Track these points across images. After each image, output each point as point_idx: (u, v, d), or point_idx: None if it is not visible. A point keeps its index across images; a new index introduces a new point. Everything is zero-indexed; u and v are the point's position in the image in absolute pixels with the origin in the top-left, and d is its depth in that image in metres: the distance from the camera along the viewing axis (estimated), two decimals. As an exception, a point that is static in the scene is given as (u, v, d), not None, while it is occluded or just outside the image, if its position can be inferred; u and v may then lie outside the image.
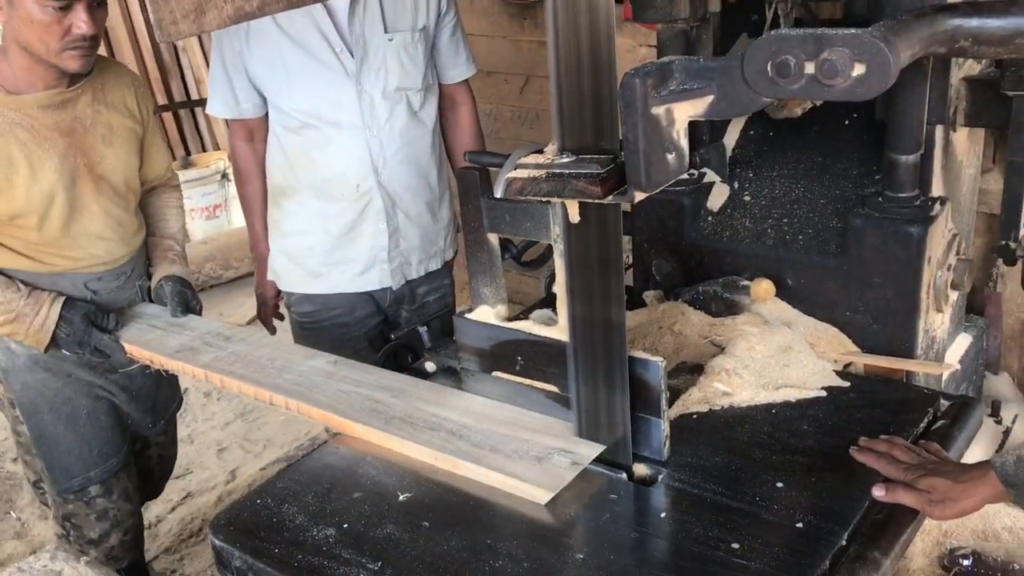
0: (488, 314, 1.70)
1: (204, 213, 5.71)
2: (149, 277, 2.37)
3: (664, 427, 1.53)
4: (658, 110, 1.22)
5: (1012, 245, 1.87)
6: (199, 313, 2.28)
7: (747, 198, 2.11)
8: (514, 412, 1.68)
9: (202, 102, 6.26)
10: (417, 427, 1.65)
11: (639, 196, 1.28)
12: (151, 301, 2.33)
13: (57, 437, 2.26)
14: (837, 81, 1.12)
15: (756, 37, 1.19)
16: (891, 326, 1.88)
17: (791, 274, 1.98)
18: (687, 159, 1.30)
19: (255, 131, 2.47)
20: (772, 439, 1.61)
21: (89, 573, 1.56)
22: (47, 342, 2.09)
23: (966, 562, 1.51)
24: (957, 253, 1.95)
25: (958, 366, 2.08)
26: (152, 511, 3.16)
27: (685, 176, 2.11)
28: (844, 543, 1.34)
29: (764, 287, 1.96)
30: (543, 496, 1.45)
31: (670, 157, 1.27)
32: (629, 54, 3.21)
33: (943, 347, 2.06)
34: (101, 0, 1.96)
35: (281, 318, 2.73)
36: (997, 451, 1.87)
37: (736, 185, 2.13)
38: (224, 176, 5.79)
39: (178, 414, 2.65)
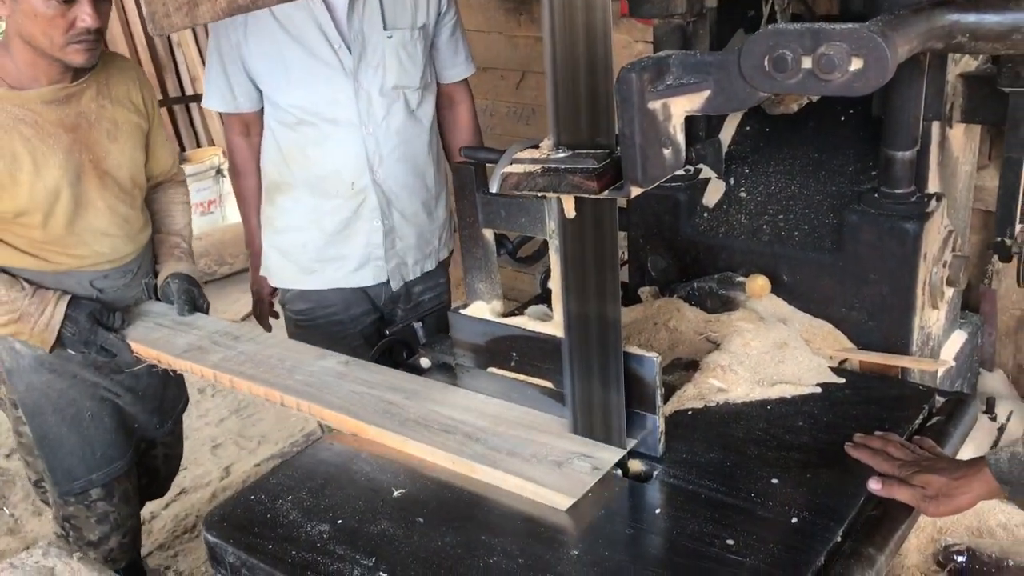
0: (483, 310, 1.70)
1: (199, 209, 5.69)
2: (155, 275, 2.34)
3: (659, 423, 1.53)
4: (654, 105, 1.22)
5: (1008, 242, 1.87)
6: (206, 311, 2.25)
7: (743, 194, 2.11)
8: (532, 415, 1.65)
9: (197, 97, 6.25)
10: (432, 430, 1.62)
11: (635, 191, 1.27)
12: (157, 299, 2.31)
13: (60, 439, 2.23)
14: (834, 76, 1.12)
15: (753, 32, 1.18)
16: (887, 322, 1.88)
17: (787, 270, 1.98)
18: (683, 154, 1.30)
19: (251, 125, 2.46)
20: (767, 435, 1.60)
21: (82, 570, 1.55)
22: (52, 342, 2.06)
23: (960, 558, 1.51)
24: (953, 249, 1.95)
25: (953, 363, 2.08)
26: (146, 507, 3.14)
27: (681, 172, 2.10)
28: (839, 539, 1.34)
29: (759, 283, 1.96)
30: (564, 502, 1.43)
31: (666, 152, 1.26)
32: (625, 50, 3.20)
33: (938, 344, 2.06)
34: None
35: (276, 315, 2.72)
36: (992, 448, 1.87)
37: (732, 181, 2.13)
38: (219, 172, 5.78)
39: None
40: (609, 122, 1.34)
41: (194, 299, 2.24)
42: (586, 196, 1.34)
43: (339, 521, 1.47)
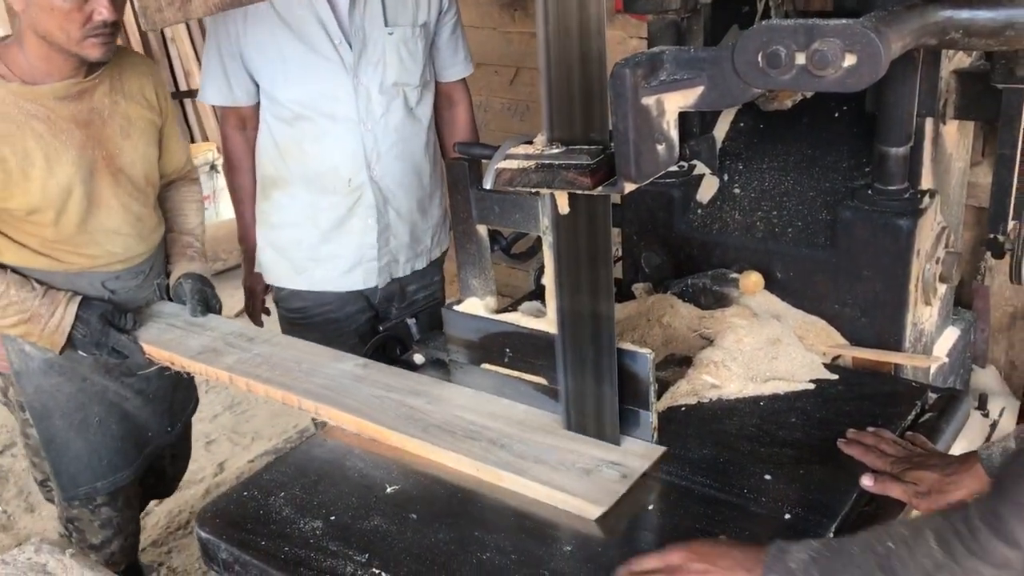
0: (477, 306, 1.70)
1: (193, 204, 5.68)
2: (167, 275, 2.30)
3: (652, 419, 1.53)
4: (648, 101, 1.22)
5: (1000, 238, 1.87)
6: (219, 312, 2.22)
7: (737, 190, 2.11)
8: (557, 421, 1.61)
9: (191, 93, 6.23)
10: (457, 436, 1.59)
11: (629, 187, 1.27)
12: (170, 299, 2.27)
13: (67, 443, 2.19)
14: (828, 72, 1.12)
15: (747, 28, 1.18)
16: (880, 319, 1.88)
17: (780, 267, 1.98)
18: (677, 150, 1.30)
19: (247, 120, 2.45)
20: (760, 431, 1.61)
21: (74, 566, 1.55)
22: (62, 343, 2.02)
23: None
24: (946, 246, 1.95)
25: (946, 359, 2.09)
26: (139, 503, 3.15)
27: (675, 168, 2.10)
28: (832, 535, 1.34)
29: (753, 280, 1.96)
30: (594, 511, 1.40)
31: (660, 148, 1.26)
32: (620, 46, 3.20)
33: (931, 340, 2.07)
34: None
35: (268, 312, 2.72)
36: (984, 443, 1.87)
37: (726, 177, 2.13)
38: (213, 167, 5.76)
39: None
40: (603, 118, 1.34)
41: (207, 300, 2.20)
42: (580, 192, 1.34)
43: (332, 517, 1.46)
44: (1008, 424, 2.30)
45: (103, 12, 1.83)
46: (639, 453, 1.52)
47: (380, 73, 2.32)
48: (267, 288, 2.64)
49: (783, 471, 1.48)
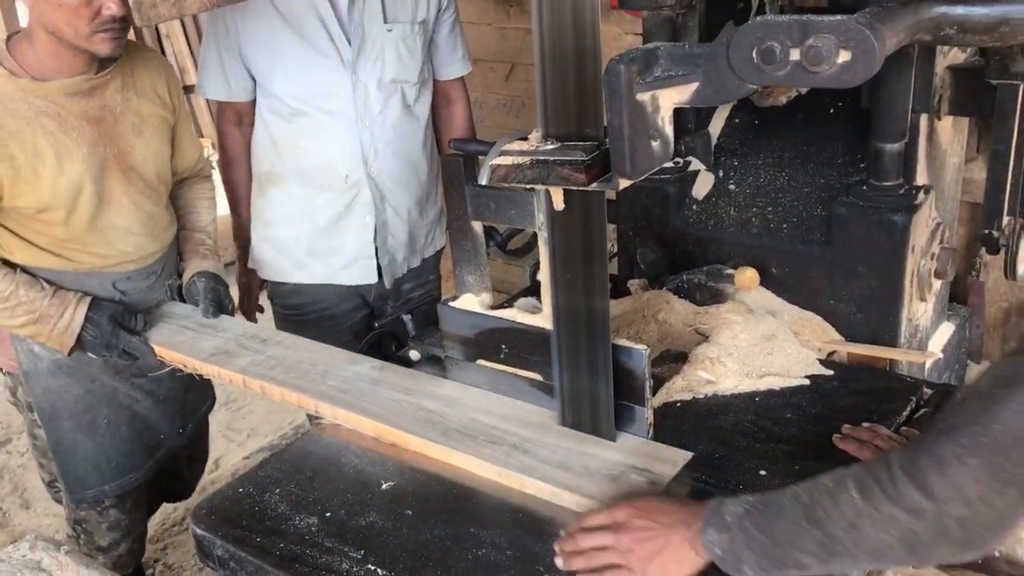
0: (472, 302, 1.70)
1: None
2: (179, 275, 2.27)
3: (648, 415, 1.53)
4: (643, 97, 1.22)
5: (995, 234, 1.88)
6: (231, 313, 2.18)
7: (732, 186, 2.11)
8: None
9: (187, 89, 6.20)
10: (477, 440, 1.56)
11: (624, 183, 1.27)
12: (182, 300, 2.23)
13: (75, 445, 2.17)
14: (822, 68, 1.12)
15: (742, 24, 1.18)
16: (875, 314, 1.88)
17: (775, 263, 1.98)
18: (672, 146, 1.30)
19: (244, 115, 2.44)
20: (755, 427, 1.61)
21: (69, 563, 1.54)
22: (71, 345, 1.99)
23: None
24: (941, 242, 1.96)
25: (941, 355, 2.09)
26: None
27: (670, 164, 2.10)
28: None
29: (748, 275, 1.96)
30: None
31: (655, 144, 1.26)
32: (615, 42, 3.20)
33: (926, 336, 2.07)
34: None
35: (262, 310, 2.71)
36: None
37: (721, 173, 2.13)
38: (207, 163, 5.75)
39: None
40: (598, 114, 1.34)
41: (220, 300, 2.16)
42: (574, 188, 1.34)
43: (327, 514, 1.46)
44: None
45: (111, 7, 1.80)
46: (666, 458, 1.47)
47: (379, 70, 2.32)
48: (262, 284, 2.64)
49: (778, 467, 1.48)
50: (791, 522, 1.14)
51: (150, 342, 2.03)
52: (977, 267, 2.51)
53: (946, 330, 2.21)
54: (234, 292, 2.71)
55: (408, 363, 1.89)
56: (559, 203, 1.41)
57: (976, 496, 1.01)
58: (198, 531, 1.48)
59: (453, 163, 1.61)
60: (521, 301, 1.69)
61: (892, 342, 1.88)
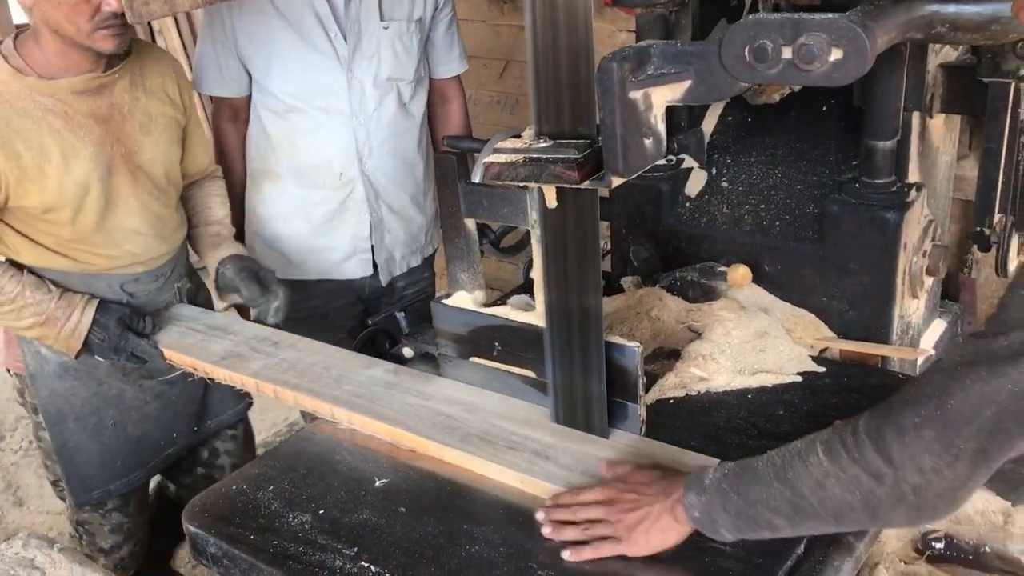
0: (466, 300, 1.70)
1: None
2: (189, 279, 2.25)
3: (641, 412, 1.53)
4: (636, 95, 1.22)
5: (986, 231, 1.88)
6: (278, 287, 2.12)
7: (725, 184, 2.11)
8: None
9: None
10: (498, 447, 1.53)
11: (616, 181, 1.27)
12: (191, 303, 2.21)
13: (80, 447, 2.14)
14: (814, 66, 1.12)
15: (735, 22, 1.18)
16: (867, 312, 1.89)
17: (768, 260, 1.99)
18: (664, 144, 1.30)
19: (240, 111, 2.43)
20: (748, 424, 1.61)
21: (62, 561, 1.54)
22: (78, 348, 1.97)
23: (939, 545, 1.52)
24: (932, 239, 1.96)
25: (933, 351, 2.10)
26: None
27: (663, 162, 2.10)
28: (818, 527, 1.35)
29: (741, 273, 1.96)
30: None
31: (647, 142, 1.27)
32: (609, 39, 3.20)
33: (918, 332, 2.08)
34: None
35: (255, 305, 2.71)
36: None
37: (714, 171, 2.13)
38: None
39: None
40: (590, 112, 1.34)
41: (257, 275, 2.11)
42: (567, 186, 1.34)
43: (321, 511, 1.47)
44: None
45: (112, 3, 1.78)
46: (694, 466, 1.41)
47: (374, 67, 2.32)
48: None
49: (770, 463, 1.49)
50: (764, 483, 1.20)
51: (160, 345, 2.00)
52: (969, 264, 2.52)
53: (938, 327, 2.22)
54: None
55: (401, 360, 1.89)
56: (552, 201, 1.41)
57: (930, 466, 1.07)
58: (191, 528, 1.48)
59: (446, 161, 1.61)
60: (514, 299, 1.69)
61: (884, 339, 1.88)
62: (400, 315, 2.04)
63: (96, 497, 2.20)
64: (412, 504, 1.47)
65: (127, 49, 1.95)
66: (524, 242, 1.92)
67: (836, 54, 1.11)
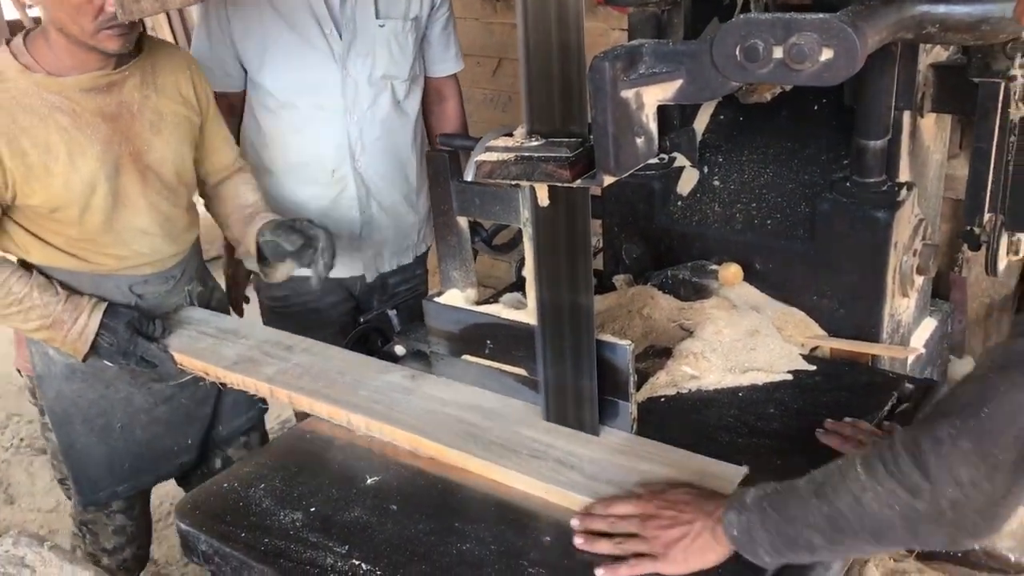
0: (458, 298, 1.70)
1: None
2: (203, 283, 2.21)
3: (632, 410, 1.54)
4: (627, 94, 1.22)
5: (977, 230, 1.89)
6: (317, 230, 2.01)
7: (717, 183, 2.12)
8: (627, 440, 1.53)
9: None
10: (521, 455, 1.50)
11: (608, 180, 1.28)
12: (203, 306, 2.17)
13: (88, 449, 2.10)
14: (805, 66, 1.13)
15: (727, 21, 1.19)
16: (857, 310, 1.89)
17: (759, 258, 1.99)
18: (656, 143, 1.31)
19: (235, 106, 2.43)
20: (739, 422, 1.62)
21: (52, 559, 1.54)
22: (85, 351, 1.92)
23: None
24: (923, 238, 1.97)
25: (923, 350, 2.11)
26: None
27: (655, 160, 2.11)
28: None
29: (732, 271, 1.97)
30: None
31: (639, 141, 1.27)
32: (601, 38, 3.20)
33: (908, 331, 2.09)
34: None
35: (248, 300, 2.71)
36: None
37: (706, 169, 2.14)
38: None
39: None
40: (582, 111, 1.34)
41: (292, 225, 2.02)
42: (559, 184, 1.34)
43: (312, 509, 1.47)
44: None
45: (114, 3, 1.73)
46: (722, 475, 1.42)
47: (369, 65, 2.32)
48: (249, 276, 2.63)
49: (761, 461, 1.49)
50: (802, 499, 1.16)
51: (171, 349, 1.97)
52: (959, 263, 2.53)
53: (928, 325, 2.23)
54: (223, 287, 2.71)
55: (394, 358, 1.89)
56: (544, 199, 1.41)
57: (967, 479, 1.02)
58: (182, 526, 1.47)
59: (438, 159, 1.61)
60: (506, 297, 1.69)
61: (874, 337, 1.89)
62: (392, 313, 2.04)
63: (103, 498, 2.17)
64: (403, 502, 1.47)
65: (139, 46, 1.94)
66: (516, 240, 1.93)
67: (827, 54, 1.11)
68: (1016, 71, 1.69)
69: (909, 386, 1.73)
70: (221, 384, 1.93)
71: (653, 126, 1.28)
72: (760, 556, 1.20)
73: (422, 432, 1.58)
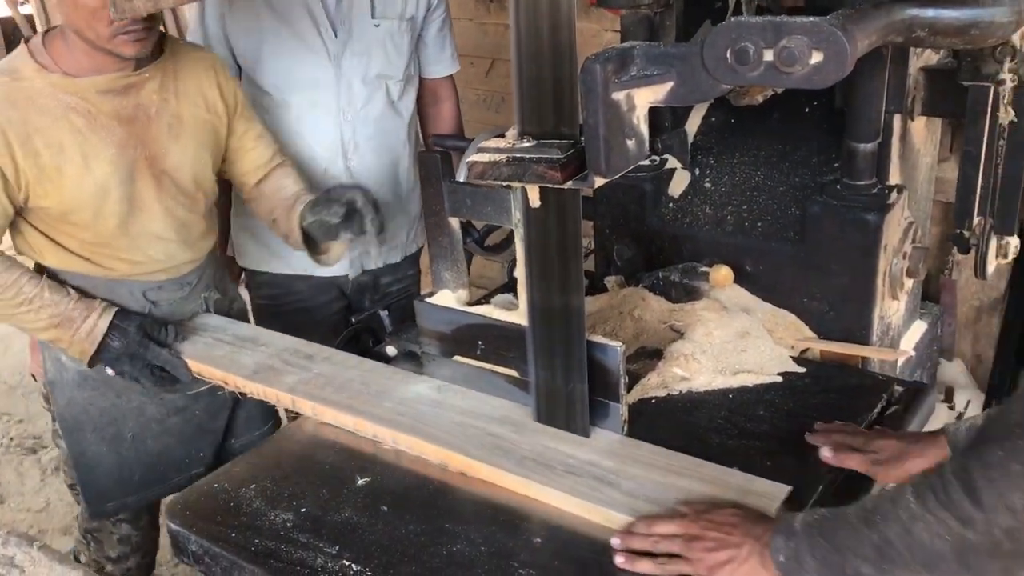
0: (449, 298, 1.70)
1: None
2: (222, 292, 2.18)
3: (623, 411, 1.54)
4: (618, 96, 1.23)
5: (966, 233, 1.90)
6: (354, 193, 1.93)
7: (708, 185, 2.12)
8: (666, 456, 1.49)
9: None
10: (555, 470, 1.46)
11: (599, 181, 1.28)
12: (222, 314, 2.13)
13: (98, 458, 2.05)
14: (795, 69, 1.13)
15: (719, 24, 1.19)
16: (847, 313, 1.90)
17: (750, 260, 2.00)
18: (647, 145, 1.31)
19: None
20: (729, 424, 1.62)
21: (42, 559, 1.54)
22: (92, 353, 1.88)
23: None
24: (913, 241, 1.98)
25: (913, 352, 2.11)
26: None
27: (647, 162, 2.11)
28: (797, 526, 1.36)
29: (723, 273, 1.98)
30: None
31: (630, 143, 1.27)
32: (594, 39, 3.20)
33: (898, 334, 2.09)
34: None
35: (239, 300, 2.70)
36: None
37: (697, 171, 2.14)
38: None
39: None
40: (574, 112, 1.34)
41: (329, 194, 1.94)
42: (550, 186, 1.35)
43: (303, 509, 1.47)
44: (973, 416, 2.33)
45: None
46: (764, 493, 1.38)
47: (364, 64, 2.32)
48: (240, 273, 2.63)
49: (751, 463, 1.49)
50: (852, 527, 1.12)
51: (185, 356, 1.92)
52: (949, 266, 2.54)
53: (918, 328, 2.24)
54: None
55: (385, 359, 1.89)
56: (535, 200, 1.42)
57: (1021, 506, 0.96)
58: (172, 526, 1.47)
59: (430, 159, 1.61)
60: (498, 298, 1.70)
61: (864, 340, 1.90)
62: (384, 313, 2.04)
63: (111, 510, 2.13)
64: (394, 502, 1.47)
65: (161, 48, 1.91)
66: (508, 241, 1.93)
67: (817, 57, 1.12)
68: (1005, 75, 1.70)
69: (899, 389, 1.74)
70: (240, 394, 1.88)
71: (644, 128, 1.29)
72: None
73: (451, 446, 1.55)
